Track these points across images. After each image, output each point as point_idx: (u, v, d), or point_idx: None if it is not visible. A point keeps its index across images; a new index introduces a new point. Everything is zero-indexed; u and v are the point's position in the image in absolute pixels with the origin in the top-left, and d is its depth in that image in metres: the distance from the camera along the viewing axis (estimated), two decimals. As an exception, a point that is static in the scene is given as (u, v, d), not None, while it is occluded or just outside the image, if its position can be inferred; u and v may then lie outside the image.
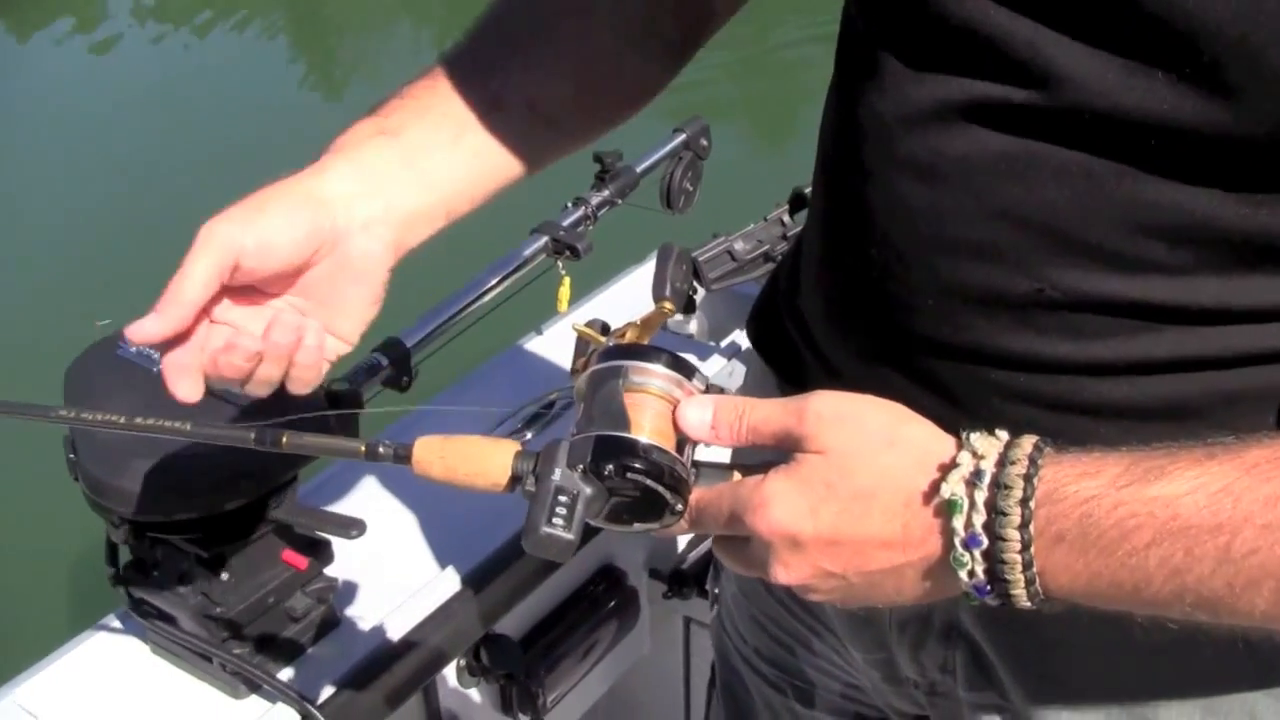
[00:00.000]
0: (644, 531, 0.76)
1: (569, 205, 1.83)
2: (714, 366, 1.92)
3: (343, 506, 1.57)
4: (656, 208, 1.94)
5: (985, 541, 0.67)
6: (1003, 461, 0.68)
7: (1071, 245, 0.72)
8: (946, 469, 0.69)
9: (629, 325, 0.81)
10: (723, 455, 0.81)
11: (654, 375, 0.76)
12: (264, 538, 1.32)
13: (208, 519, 1.25)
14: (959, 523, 0.68)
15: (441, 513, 1.60)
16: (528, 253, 1.76)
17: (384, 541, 1.55)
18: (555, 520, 0.71)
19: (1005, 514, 0.67)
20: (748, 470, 0.76)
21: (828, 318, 0.90)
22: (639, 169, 1.90)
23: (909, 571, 0.71)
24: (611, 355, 0.77)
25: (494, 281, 1.73)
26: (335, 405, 1.38)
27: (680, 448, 0.76)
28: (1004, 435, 0.70)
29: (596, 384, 0.76)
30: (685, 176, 1.91)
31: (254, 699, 1.35)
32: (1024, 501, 0.66)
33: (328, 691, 1.37)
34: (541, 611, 1.69)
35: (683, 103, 2.11)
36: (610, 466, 0.72)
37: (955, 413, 0.78)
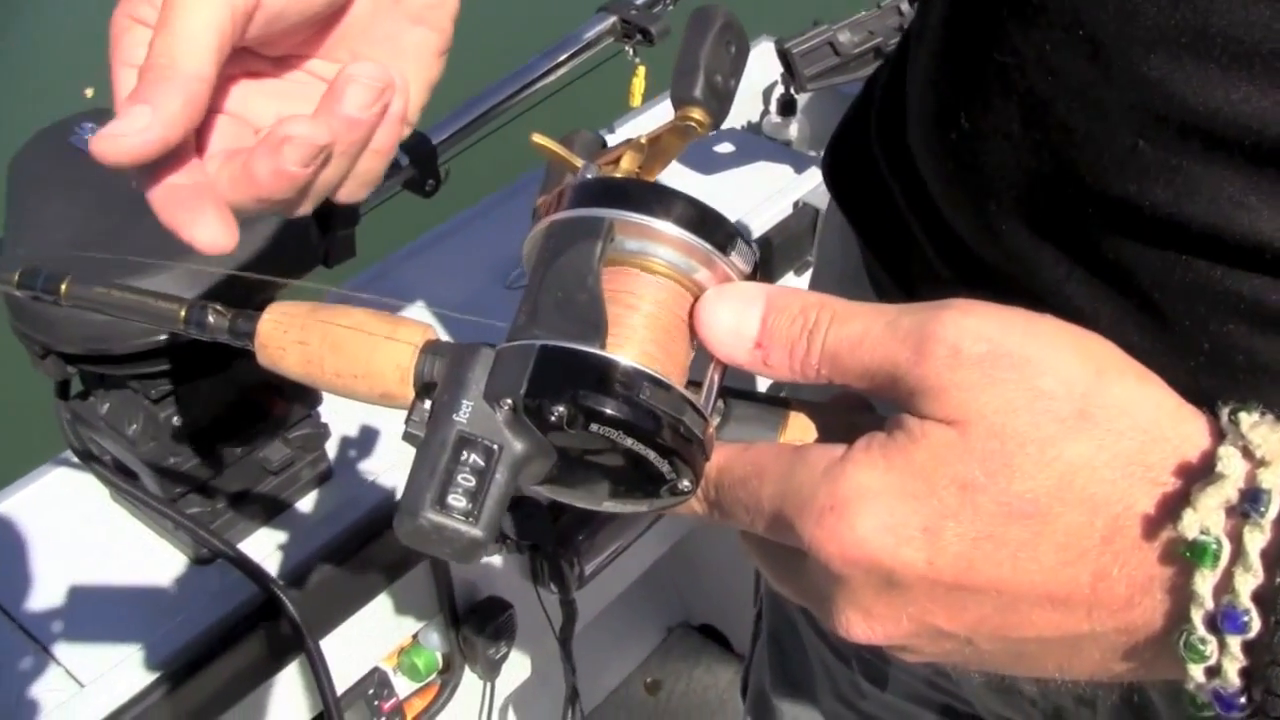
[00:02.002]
0: (621, 513, 0.48)
1: (645, -22, 1.52)
2: (810, 181, 1.62)
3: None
4: (754, -14, 1.61)
5: (1255, 624, 0.38)
6: None
7: None
8: (1191, 477, 0.40)
9: (629, 144, 0.50)
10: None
11: (659, 238, 0.46)
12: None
13: (150, 352, 1.01)
14: (1206, 585, 0.39)
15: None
16: (590, 35, 1.47)
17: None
18: (451, 499, 0.43)
19: None
20: (820, 417, 0.47)
21: (952, 157, 0.59)
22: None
23: (1090, 646, 0.42)
24: (588, 196, 0.47)
25: (547, 68, 1.43)
26: (325, 217, 1.10)
27: (696, 379, 0.47)
28: None
29: (556, 248, 0.46)
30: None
31: (219, 562, 1.13)
32: None
33: (313, 554, 1.16)
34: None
35: None
36: (561, 408, 0.42)
37: (1159, 340, 0.49)
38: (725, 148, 1.71)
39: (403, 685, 1.36)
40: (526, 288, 0.46)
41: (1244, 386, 0.48)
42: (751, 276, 0.48)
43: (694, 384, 0.48)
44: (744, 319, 0.46)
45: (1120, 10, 0.46)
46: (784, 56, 1.45)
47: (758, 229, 1.54)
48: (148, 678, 1.06)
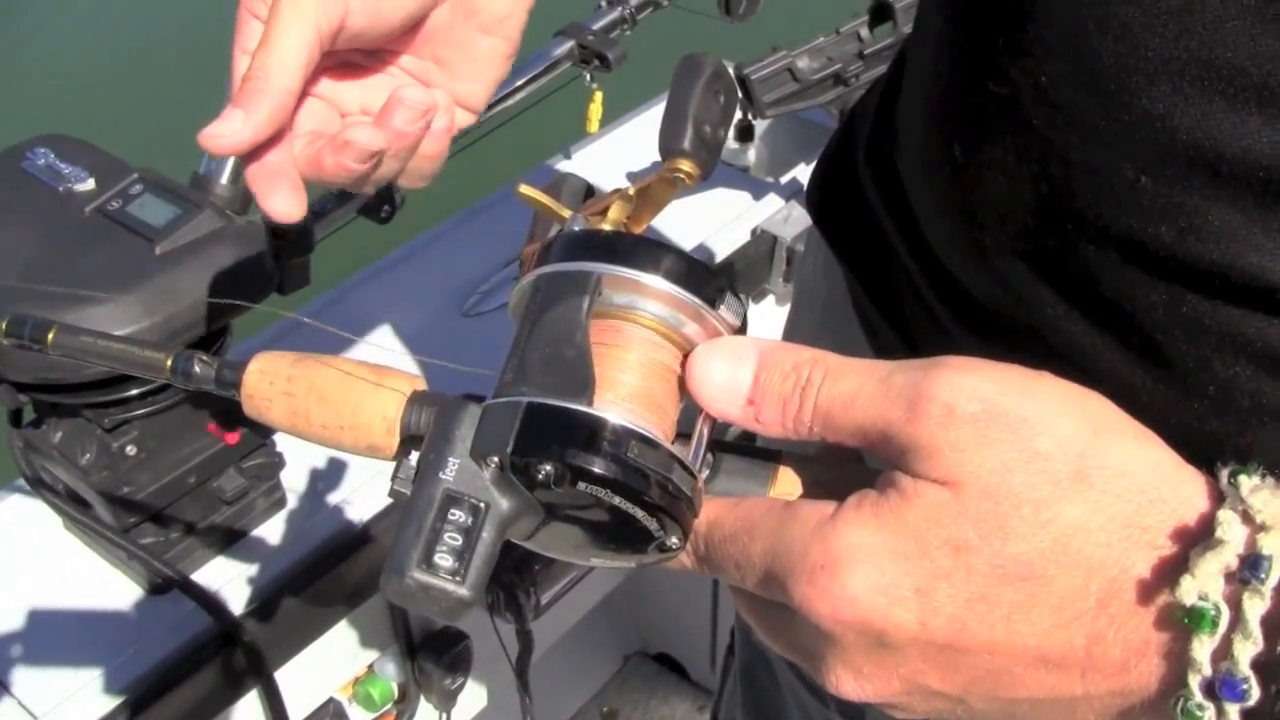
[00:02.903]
0: (610, 569, 0.47)
1: (603, 4, 1.52)
2: (769, 208, 1.62)
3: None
4: (712, 12, 1.61)
5: (1254, 692, 0.38)
6: None
7: None
8: (1189, 541, 0.39)
9: (617, 194, 0.50)
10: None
11: (648, 293, 0.45)
12: (182, 404, 1.05)
13: (103, 382, 0.99)
14: (1204, 652, 0.38)
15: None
16: (548, 59, 1.47)
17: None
18: (438, 558, 0.42)
19: None
20: (810, 470, 0.47)
21: (946, 190, 0.58)
22: (693, -38, 1.57)
23: (1084, 709, 0.42)
24: (576, 249, 0.46)
25: (504, 92, 1.42)
26: (280, 245, 1.09)
27: (685, 430, 0.47)
28: None
29: (543, 303, 0.45)
30: (751, -26, 1.58)
31: (175, 592, 1.11)
32: None
33: (268, 584, 1.14)
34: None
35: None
36: (548, 466, 0.42)
37: (1161, 382, 0.49)
38: (683, 173, 1.71)
39: (358, 716, 1.34)
40: (514, 342, 0.45)
41: (1250, 431, 0.48)
42: (740, 329, 0.47)
43: (683, 436, 0.48)
44: (737, 375, 0.45)
45: (1120, 40, 0.45)
46: (742, 82, 1.44)
47: (715, 255, 1.54)
48: (102, 709, 1.04)
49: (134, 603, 1.12)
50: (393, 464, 0.47)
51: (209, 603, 1.07)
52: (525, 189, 0.49)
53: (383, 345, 1.32)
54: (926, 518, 0.41)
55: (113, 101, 4.25)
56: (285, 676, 1.18)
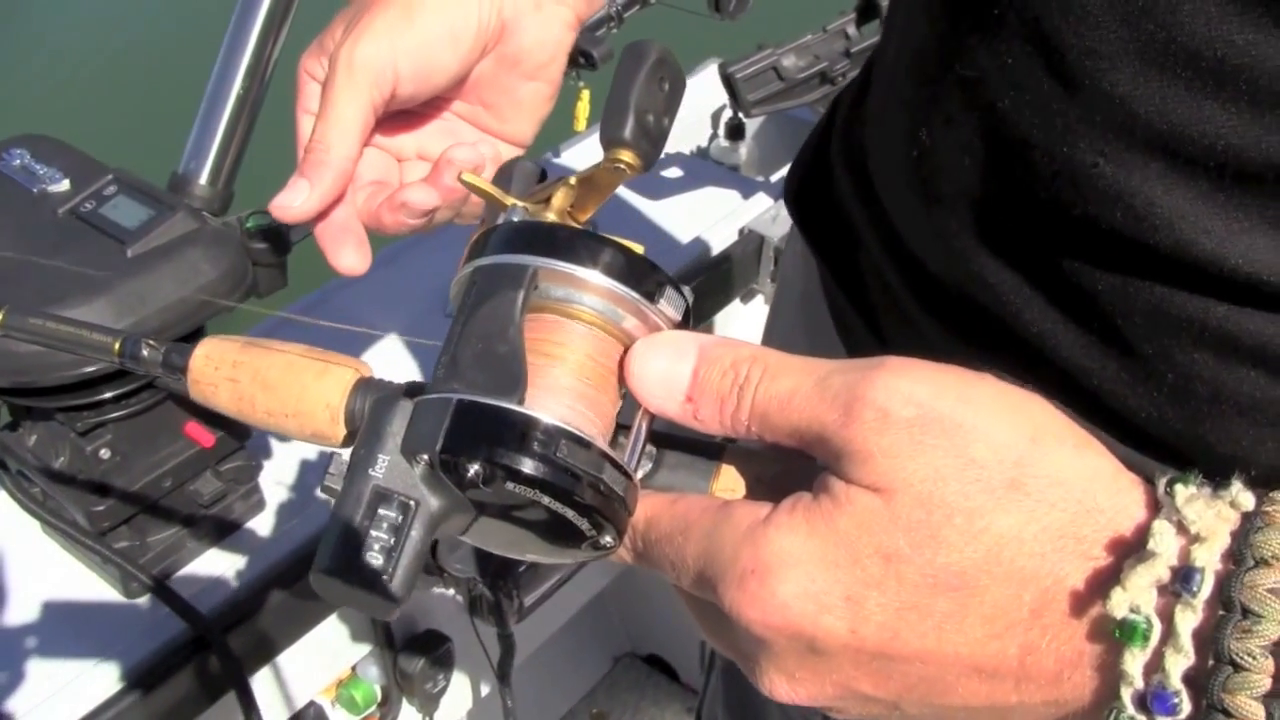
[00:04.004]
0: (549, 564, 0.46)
1: (588, 1, 1.50)
2: (758, 207, 1.61)
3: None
4: (701, 11, 1.60)
5: (1185, 706, 0.37)
6: (1239, 553, 0.37)
7: None
8: (1123, 551, 0.38)
9: (560, 183, 0.49)
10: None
11: (585, 287, 0.44)
12: (157, 407, 1.04)
13: (77, 384, 0.98)
14: (1136, 665, 0.37)
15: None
16: (533, 58, 1.44)
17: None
18: (367, 556, 0.41)
19: (1241, 666, 0.36)
20: (755, 464, 0.46)
21: (913, 174, 0.57)
22: (680, -41, 1.56)
23: (1019, 718, 0.41)
24: (513, 241, 0.45)
25: (489, 92, 1.41)
26: (256, 246, 1.08)
27: (620, 429, 0.46)
28: (1238, 489, 0.38)
29: (478, 296, 0.44)
30: (741, -30, 1.57)
31: (150, 596, 1.10)
32: None
33: (247, 587, 1.13)
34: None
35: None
36: (477, 466, 0.41)
37: (1122, 369, 0.48)
38: (673, 172, 1.70)
39: (340, 718, 1.33)
40: (447, 336, 0.44)
41: (1208, 419, 0.48)
42: (683, 323, 0.46)
43: (625, 428, 0.47)
44: (676, 371, 0.45)
45: (1083, 21, 0.45)
46: (727, 81, 1.43)
47: (704, 255, 1.53)
48: (77, 713, 1.03)
49: (111, 607, 1.11)
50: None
51: (182, 607, 1.06)
52: (467, 175, 0.48)
53: (369, 342, 1.31)
54: (858, 525, 0.40)
55: (95, 101, 4.26)
56: (266, 679, 1.17)
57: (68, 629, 1.10)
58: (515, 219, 0.47)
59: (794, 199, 0.76)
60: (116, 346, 0.50)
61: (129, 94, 4.27)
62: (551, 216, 0.48)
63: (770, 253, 1.55)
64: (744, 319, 1.63)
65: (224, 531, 1.16)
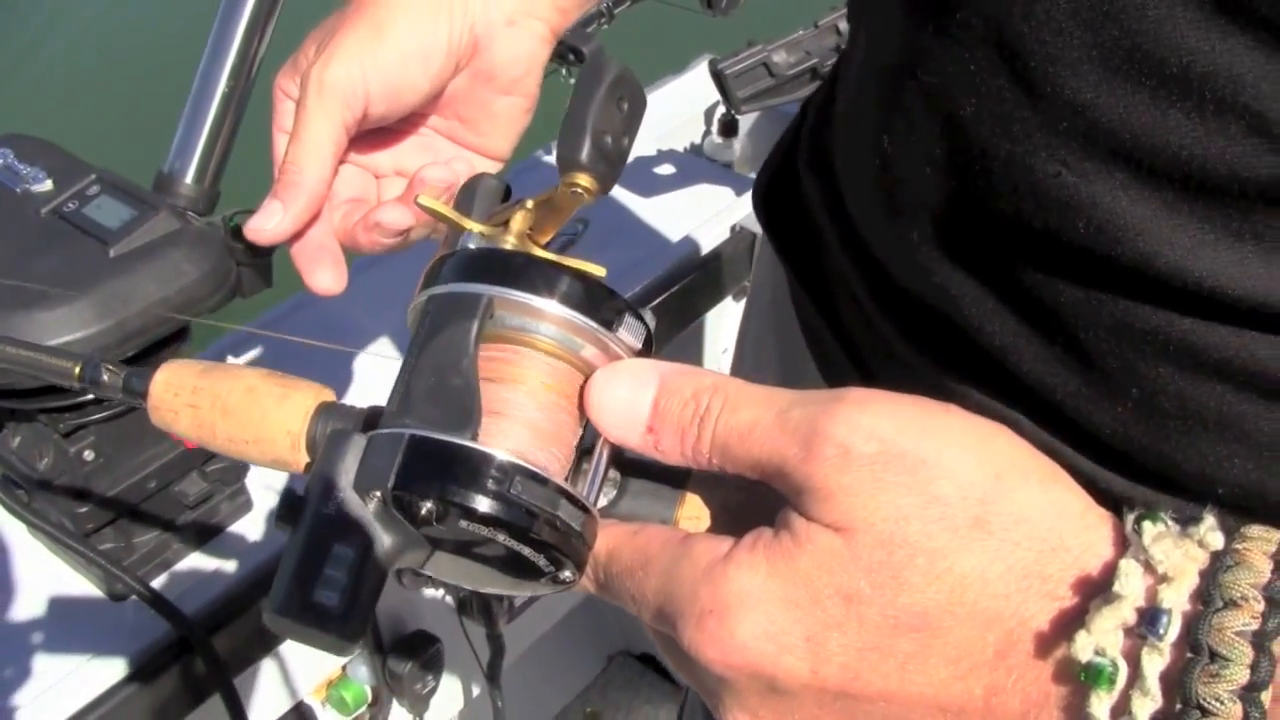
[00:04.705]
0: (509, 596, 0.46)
1: (579, -3, 1.49)
2: (750, 205, 1.60)
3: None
4: (691, 6, 1.59)
5: None
6: (1208, 594, 0.36)
7: None
8: (1089, 591, 0.38)
9: (518, 205, 0.48)
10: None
11: (542, 317, 0.44)
12: (140, 409, 1.04)
13: (56, 386, 0.98)
14: (1103, 708, 0.36)
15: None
16: (523, 55, 1.43)
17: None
18: (319, 595, 0.40)
19: (1208, 710, 0.35)
20: (720, 492, 0.45)
21: (876, 182, 0.56)
22: (672, -45, 1.55)
23: None
24: (468, 269, 0.44)
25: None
26: (240, 247, 1.07)
27: (584, 455, 0.45)
28: (1207, 527, 0.37)
29: (432, 325, 0.44)
30: (732, -33, 1.56)
31: (135, 599, 1.10)
32: (1250, 691, 0.35)
33: (234, 587, 1.13)
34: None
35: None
36: (429, 503, 0.40)
37: (1086, 384, 0.47)
38: (666, 169, 1.69)
39: (330, 719, 1.33)
40: (401, 367, 0.43)
41: (1174, 436, 0.47)
42: (644, 350, 0.46)
43: (590, 452, 0.46)
44: (636, 401, 0.44)
45: (1046, 26, 0.44)
46: (717, 78, 1.42)
47: (696, 252, 1.52)
48: (61, 716, 1.03)
49: (96, 609, 1.11)
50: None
51: (167, 609, 1.05)
52: (424, 200, 0.48)
53: (347, 349, 1.30)
54: (818, 565, 0.40)
55: (83, 101, 4.25)
56: (254, 680, 1.17)
57: (53, 631, 1.10)
58: (471, 245, 0.46)
59: (762, 201, 0.76)
60: (77, 371, 0.50)
61: (117, 93, 4.27)
62: (511, 240, 0.47)
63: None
64: (735, 316, 1.62)
65: (210, 533, 1.15)
